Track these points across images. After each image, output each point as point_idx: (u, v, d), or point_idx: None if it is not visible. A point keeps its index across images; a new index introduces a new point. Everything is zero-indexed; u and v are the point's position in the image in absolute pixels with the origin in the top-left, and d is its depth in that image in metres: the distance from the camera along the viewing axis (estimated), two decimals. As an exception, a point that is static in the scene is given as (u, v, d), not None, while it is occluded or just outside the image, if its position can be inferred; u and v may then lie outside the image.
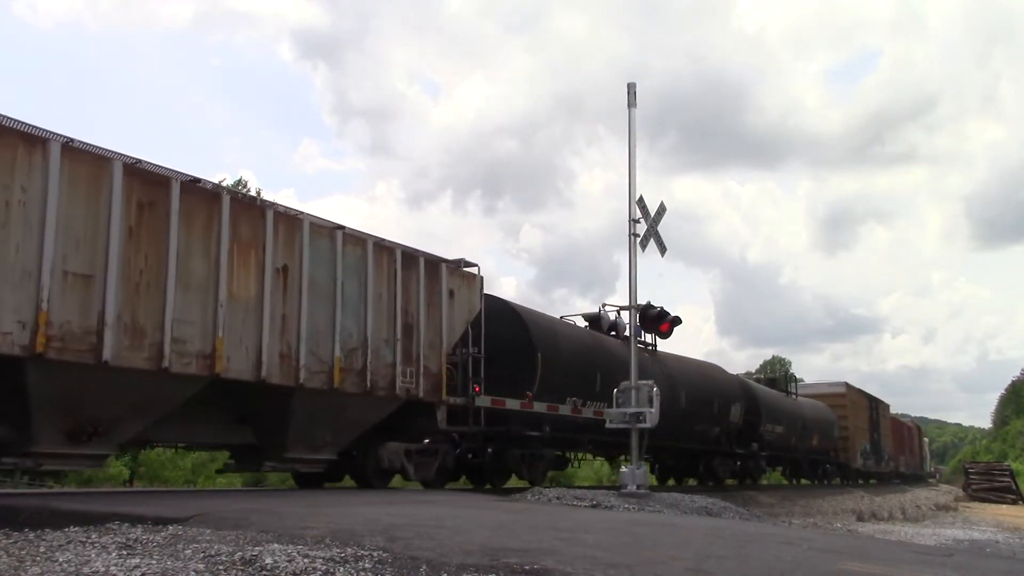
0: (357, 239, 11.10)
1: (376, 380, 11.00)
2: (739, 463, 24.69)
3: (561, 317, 18.05)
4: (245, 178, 55.88)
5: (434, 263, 12.36)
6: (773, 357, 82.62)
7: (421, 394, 11.74)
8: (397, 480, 15.63)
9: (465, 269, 13.17)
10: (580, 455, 18.88)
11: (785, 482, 37.64)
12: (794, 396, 29.60)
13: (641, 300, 12.71)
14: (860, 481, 38.55)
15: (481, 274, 13.43)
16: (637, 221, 12.26)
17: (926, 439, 66.90)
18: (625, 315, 15.53)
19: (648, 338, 18.58)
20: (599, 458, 20.80)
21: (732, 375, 24.33)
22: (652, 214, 12.42)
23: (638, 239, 12.27)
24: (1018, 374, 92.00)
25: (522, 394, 14.11)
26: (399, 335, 11.44)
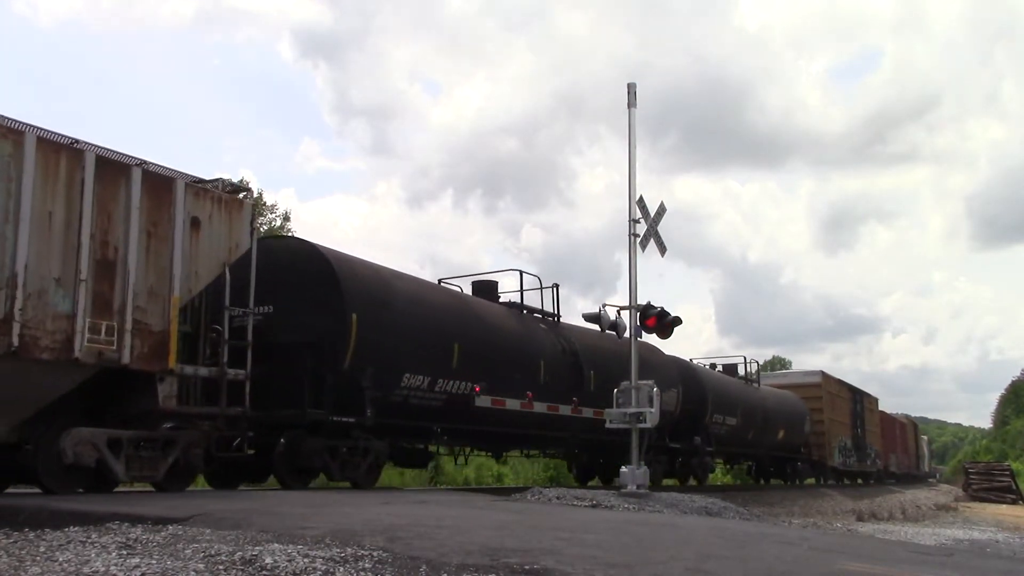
0: (6, 130, 7.87)
1: (35, 337, 7.76)
2: (680, 460, 20.72)
3: (440, 281, 15.32)
4: (246, 178, 55.88)
5: (162, 179, 9.07)
6: (773, 357, 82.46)
7: (127, 360, 8.44)
8: (391, 479, 15.44)
9: (224, 193, 9.79)
10: (467, 450, 16.08)
11: (731, 481, 33.87)
12: (756, 384, 26.06)
13: (641, 300, 12.68)
14: (845, 481, 35.62)
15: (253, 200, 10.62)
16: (637, 221, 12.26)
17: (924, 437, 65.60)
18: (625, 315, 15.48)
19: (553, 310, 16.79)
20: (475, 452, 17.13)
21: (669, 356, 20.50)
22: (652, 214, 12.43)
23: (638, 239, 12.27)
24: (1018, 374, 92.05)
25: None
26: (86, 275, 8.20)
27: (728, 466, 30.09)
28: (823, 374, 31.75)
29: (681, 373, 20.41)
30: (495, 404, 13.68)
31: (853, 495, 29.12)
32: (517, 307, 16.04)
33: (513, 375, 14.30)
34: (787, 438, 27.05)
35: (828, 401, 30.81)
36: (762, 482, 29.24)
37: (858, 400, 35.92)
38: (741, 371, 26.38)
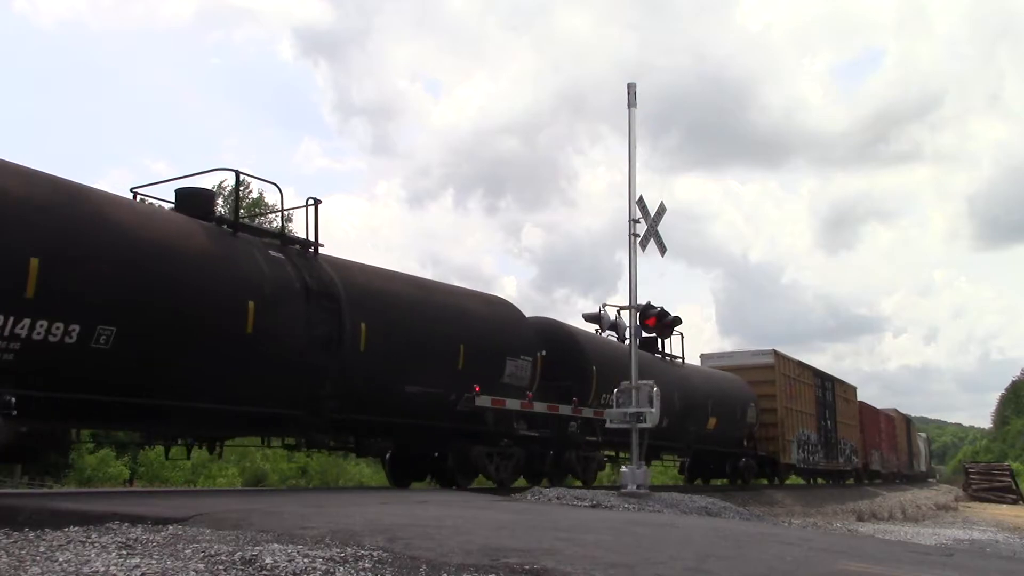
0: None
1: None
2: (552, 453, 15.06)
3: (133, 192, 10.41)
4: (245, 178, 55.70)
5: None
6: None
7: None
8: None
9: None
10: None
11: (659, 479, 27.64)
12: (678, 361, 20.44)
13: (642, 300, 12.69)
14: (819, 481, 31.86)
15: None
16: (637, 221, 12.27)
17: (923, 435, 63.98)
18: (625, 315, 15.46)
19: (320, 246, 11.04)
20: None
21: (533, 318, 16.03)
22: (652, 214, 12.43)
23: (638, 239, 12.28)
24: (1018, 374, 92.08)
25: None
26: None
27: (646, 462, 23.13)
28: (776, 353, 25.46)
29: (545, 337, 15.29)
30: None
31: (810, 498, 24.84)
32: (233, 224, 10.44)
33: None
34: (721, 429, 21.28)
35: (784, 386, 25.37)
36: (698, 482, 24.26)
37: (827, 387, 30.34)
38: (678, 350, 20.74)
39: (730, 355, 26.11)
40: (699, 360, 24.88)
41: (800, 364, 27.85)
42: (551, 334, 15.85)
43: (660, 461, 22.39)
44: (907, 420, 52.23)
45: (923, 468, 59.12)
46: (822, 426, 28.89)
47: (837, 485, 32.34)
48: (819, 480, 32.22)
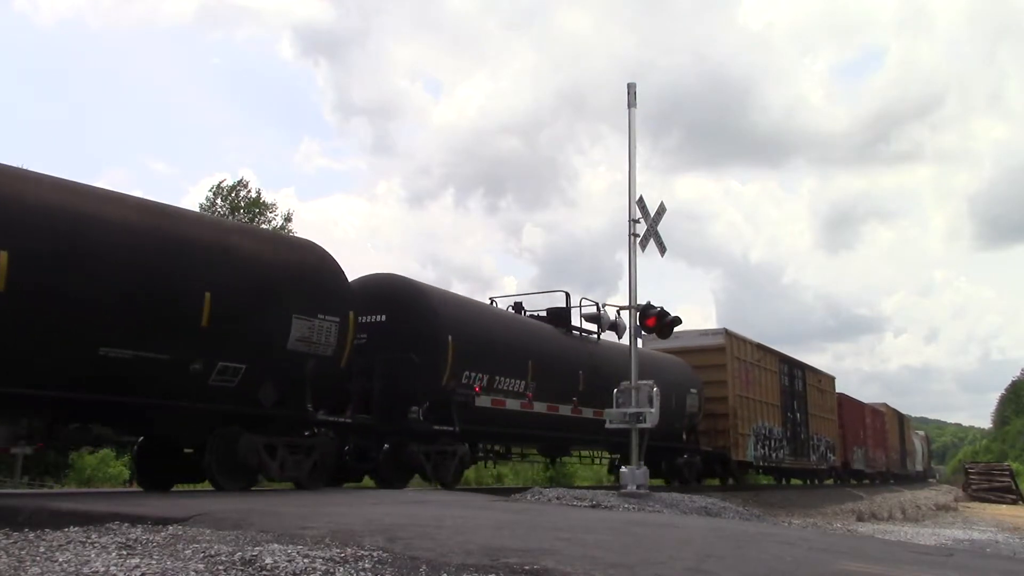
0: None
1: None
2: (387, 447, 12.01)
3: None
4: (245, 178, 55.80)
5: None
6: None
7: None
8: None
9: None
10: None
11: (489, 482, 25.30)
12: (593, 337, 17.07)
13: (642, 300, 12.68)
14: (793, 481, 29.82)
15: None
16: (637, 221, 12.28)
17: (921, 433, 62.73)
18: (625, 314, 15.42)
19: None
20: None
21: (375, 274, 13.11)
22: (652, 214, 12.44)
23: (638, 239, 12.29)
24: (1018, 374, 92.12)
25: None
26: None
27: (528, 456, 18.34)
28: (728, 333, 22.06)
29: (384, 295, 12.49)
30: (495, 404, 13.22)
31: (809, 499, 23.35)
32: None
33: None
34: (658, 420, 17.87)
35: (738, 372, 22.06)
36: (660, 482, 20.38)
37: (796, 375, 26.62)
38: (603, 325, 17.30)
39: (676, 335, 20.19)
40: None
41: (760, 347, 24.07)
42: (392, 292, 12.53)
43: (573, 457, 19.70)
44: (900, 416, 48.28)
45: (919, 468, 56.00)
46: (789, 419, 25.37)
47: (810, 487, 29.19)
48: (793, 480, 30.00)
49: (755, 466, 23.82)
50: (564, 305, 16.94)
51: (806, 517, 19.35)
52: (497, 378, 13.58)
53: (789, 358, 26.98)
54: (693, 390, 20.15)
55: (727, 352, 21.95)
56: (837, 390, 32.63)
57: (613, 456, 19.40)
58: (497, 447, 15.73)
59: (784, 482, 29.57)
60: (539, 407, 14.44)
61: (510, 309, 16.31)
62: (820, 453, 28.66)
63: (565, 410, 15.22)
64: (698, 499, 12.12)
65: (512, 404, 13.90)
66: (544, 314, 16.70)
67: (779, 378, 25.27)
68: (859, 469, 35.57)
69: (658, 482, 18.86)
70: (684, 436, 20.16)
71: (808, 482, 30.77)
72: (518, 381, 14.08)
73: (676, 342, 19.85)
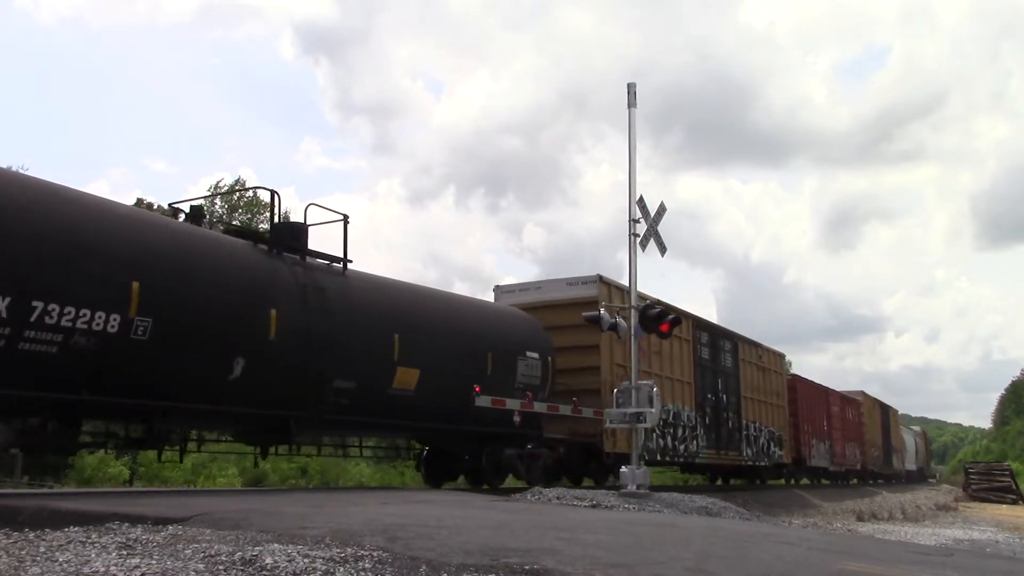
0: None
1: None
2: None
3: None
4: (244, 177, 55.77)
5: None
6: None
7: None
8: (390, 478, 14.98)
9: None
10: None
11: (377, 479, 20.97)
12: (335, 266, 11.69)
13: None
14: (724, 482, 25.24)
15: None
16: (637, 221, 12.28)
17: (916, 428, 60.90)
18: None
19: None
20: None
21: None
22: (652, 214, 12.44)
23: (638, 239, 12.29)
24: (1018, 374, 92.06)
25: None
26: None
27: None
28: (601, 281, 16.29)
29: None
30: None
31: (808, 498, 21.70)
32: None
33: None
34: (438, 389, 12.41)
35: (613, 336, 15.14)
36: (567, 482, 16.07)
37: (720, 347, 21.02)
38: None
39: (536, 286, 16.93)
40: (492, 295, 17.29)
41: (657, 304, 16.28)
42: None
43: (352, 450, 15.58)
44: (883, 408, 42.63)
45: (911, 466, 51.04)
46: (708, 401, 19.91)
47: (747, 488, 23.71)
48: (730, 479, 25.49)
49: (648, 460, 16.03)
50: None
51: (806, 517, 19.36)
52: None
53: (711, 324, 21.13)
54: (532, 354, 14.20)
55: (600, 305, 14.89)
56: (831, 382, 29.41)
57: (422, 448, 14.58)
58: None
59: (722, 482, 24.96)
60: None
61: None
62: (759, 447, 22.73)
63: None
64: (698, 499, 12.13)
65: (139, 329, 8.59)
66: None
67: (693, 349, 19.39)
68: (820, 467, 29.69)
69: (454, 482, 14.75)
70: (517, 418, 13.71)
71: (757, 481, 25.00)
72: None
73: (537, 294, 16.62)
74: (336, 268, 11.79)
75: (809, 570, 5.09)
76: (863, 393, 38.37)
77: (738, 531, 7.62)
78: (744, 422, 21.99)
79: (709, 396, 20.15)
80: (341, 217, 11.86)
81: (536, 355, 14.51)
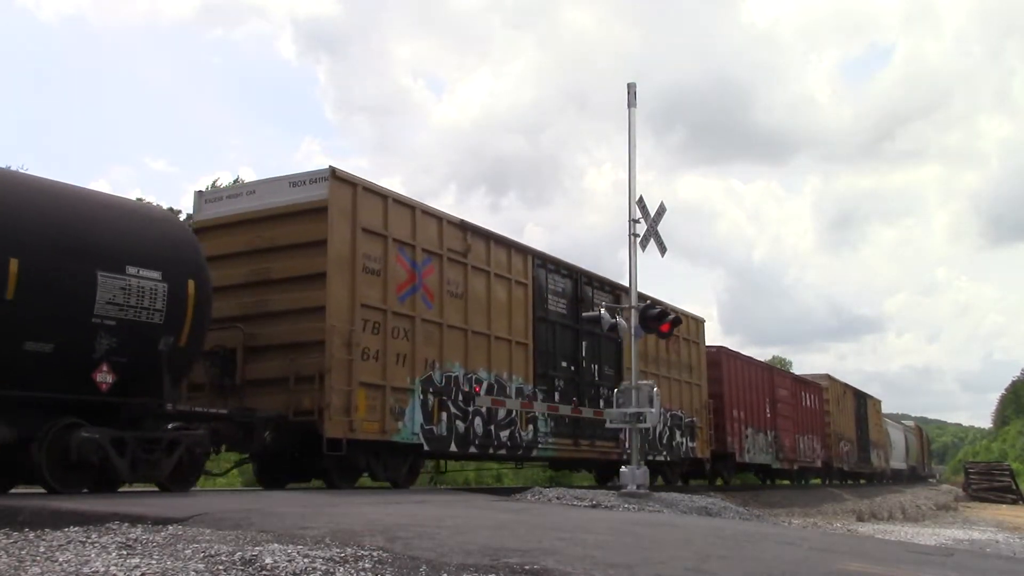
0: None
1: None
2: None
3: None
4: (243, 177, 55.61)
5: None
6: (773, 357, 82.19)
7: None
8: None
9: None
10: None
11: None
12: None
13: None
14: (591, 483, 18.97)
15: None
16: (637, 221, 12.29)
17: (907, 424, 58.57)
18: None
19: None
20: None
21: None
22: (652, 214, 12.45)
23: (638, 239, 12.30)
24: (1019, 374, 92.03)
25: None
26: None
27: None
28: (334, 177, 10.96)
29: None
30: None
31: (809, 499, 19.77)
32: None
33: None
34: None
35: (363, 257, 11.11)
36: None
37: (587, 294, 16.16)
38: None
39: (250, 190, 11.83)
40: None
41: (461, 225, 13.14)
42: None
43: None
44: (858, 396, 37.25)
45: (898, 464, 46.15)
46: (558, 372, 15.15)
47: (747, 488, 22.10)
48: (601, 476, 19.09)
49: (431, 452, 12.55)
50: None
51: (806, 517, 19.36)
52: None
53: (572, 267, 16.09)
54: (143, 272, 8.65)
55: (331, 217, 10.67)
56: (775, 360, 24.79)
57: None
58: None
59: (595, 483, 19.01)
60: None
61: None
62: (655, 436, 18.12)
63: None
64: (698, 499, 12.13)
65: None
66: None
67: (529, 294, 14.53)
68: (759, 463, 24.71)
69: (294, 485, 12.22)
70: (105, 379, 8.40)
71: (659, 479, 18.68)
72: None
73: (252, 201, 11.43)
74: None
75: (809, 570, 5.09)
76: (829, 377, 32.95)
77: (738, 531, 7.62)
78: (632, 395, 16.30)
79: (563, 364, 15.38)
80: None
81: (155, 275, 8.72)
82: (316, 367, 10.42)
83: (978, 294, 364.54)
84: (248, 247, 11.25)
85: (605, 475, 18.86)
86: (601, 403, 15.89)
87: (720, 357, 22.54)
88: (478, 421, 13.10)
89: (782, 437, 26.19)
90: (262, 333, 10.88)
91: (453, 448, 12.58)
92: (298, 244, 10.87)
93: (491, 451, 13.62)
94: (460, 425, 12.68)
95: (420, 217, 12.36)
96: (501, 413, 13.57)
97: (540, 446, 14.56)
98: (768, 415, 25.30)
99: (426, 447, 12.01)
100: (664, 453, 18.59)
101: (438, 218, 12.83)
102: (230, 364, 10.75)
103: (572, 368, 15.69)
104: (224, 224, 11.56)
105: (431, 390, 12.11)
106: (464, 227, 13.34)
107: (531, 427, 14.35)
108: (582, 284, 16.30)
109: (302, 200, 11.04)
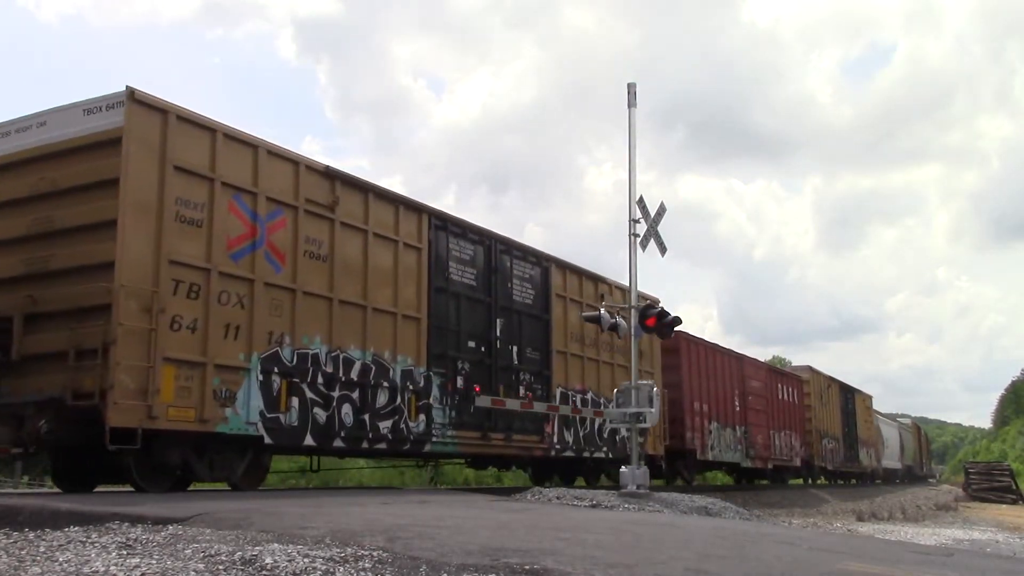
0: None
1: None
2: None
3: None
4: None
5: None
6: (773, 357, 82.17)
7: None
8: (390, 478, 13.75)
9: None
10: None
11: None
12: None
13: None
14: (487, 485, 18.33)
15: None
16: (637, 221, 12.29)
17: (903, 421, 57.68)
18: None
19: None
20: None
21: None
22: (652, 214, 12.45)
23: (638, 239, 12.30)
24: (1019, 374, 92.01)
25: None
26: None
27: None
28: (132, 100, 8.65)
29: None
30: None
31: (808, 498, 18.97)
32: None
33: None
34: None
35: (171, 191, 8.88)
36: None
37: (504, 264, 14.17)
38: None
39: (39, 121, 9.41)
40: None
41: (319, 171, 10.83)
42: None
43: None
44: (846, 391, 35.23)
45: (892, 463, 44.25)
46: (461, 353, 13.06)
47: (747, 488, 20.93)
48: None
49: (283, 448, 10.69)
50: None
51: (806, 517, 19.35)
52: None
53: (483, 231, 13.94)
54: None
55: (127, 150, 8.62)
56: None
57: None
58: None
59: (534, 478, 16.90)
60: None
61: None
62: (593, 429, 15.91)
63: None
64: (698, 499, 12.12)
65: None
66: None
67: (424, 260, 12.48)
68: (727, 461, 22.48)
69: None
70: None
71: (590, 481, 16.58)
72: None
73: (41, 134, 9.28)
74: None
75: (809, 570, 5.09)
76: (811, 369, 30.45)
77: (738, 531, 7.62)
78: (558, 391, 14.99)
79: (471, 345, 13.27)
80: None
81: None
82: (100, 338, 8.27)
83: (978, 294, 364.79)
84: (32, 191, 9.16)
85: (540, 475, 16.67)
86: (521, 390, 14.00)
87: (680, 343, 19.69)
88: (347, 408, 10.80)
89: (753, 433, 23.77)
90: (45, 296, 8.80)
91: (310, 441, 10.25)
92: (86, 185, 8.78)
93: (365, 445, 11.19)
94: (320, 413, 10.37)
95: (266, 159, 9.98)
96: (381, 399, 11.34)
97: (435, 439, 12.30)
98: (737, 408, 22.86)
99: (268, 439, 9.68)
100: (604, 449, 16.27)
101: (294, 162, 10.43)
102: (5, 336, 8.68)
103: (483, 349, 13.46)
104: (7, 164, 9.42)
105: (276, 370, 9.84)
106: (331, 175, 10.98)
107: (422, 417, 12.00)
108: (497, 252, 13.99)
109: (92, 130, 8.88)
